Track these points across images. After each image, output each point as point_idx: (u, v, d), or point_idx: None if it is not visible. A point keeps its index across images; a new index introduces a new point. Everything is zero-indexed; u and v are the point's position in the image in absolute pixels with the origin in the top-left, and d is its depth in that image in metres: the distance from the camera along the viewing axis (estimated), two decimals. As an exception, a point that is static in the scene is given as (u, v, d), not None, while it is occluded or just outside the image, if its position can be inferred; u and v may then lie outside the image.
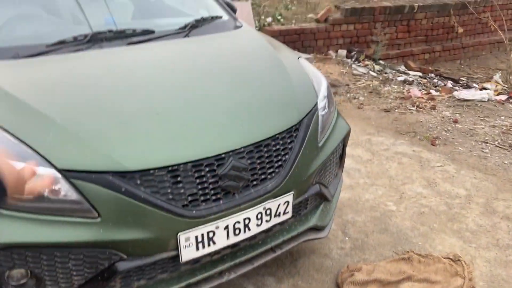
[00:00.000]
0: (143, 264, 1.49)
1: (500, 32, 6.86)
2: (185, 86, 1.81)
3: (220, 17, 2.48)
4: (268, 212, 1.68)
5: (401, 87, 5.29)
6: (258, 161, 1.62)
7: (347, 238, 2.48)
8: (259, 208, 1.64)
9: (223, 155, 1.54)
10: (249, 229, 1.65)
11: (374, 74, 5.74)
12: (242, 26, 2.51)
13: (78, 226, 1.38)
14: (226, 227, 1.57)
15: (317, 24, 6.24)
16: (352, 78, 5.47)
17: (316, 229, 2.02)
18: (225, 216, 1.55)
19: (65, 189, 1.37)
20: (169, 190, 1.45)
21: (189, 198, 1.48)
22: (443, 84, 5.75)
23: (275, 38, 2.93)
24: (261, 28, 6.08)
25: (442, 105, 4.68)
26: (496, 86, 5.56)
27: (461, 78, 6.34)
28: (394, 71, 6.05)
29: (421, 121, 4.22)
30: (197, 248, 1.54)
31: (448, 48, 7.55)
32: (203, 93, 1.78)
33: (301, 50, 5.93)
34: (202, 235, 1.53)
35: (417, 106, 4.58)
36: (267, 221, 1.69)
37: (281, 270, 2.21)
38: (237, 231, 1.61)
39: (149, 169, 1.43)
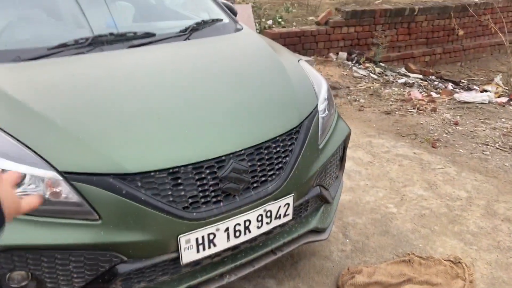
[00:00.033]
0: (143, 266, 1.49)
1: (500, 34, 6.87)
2: (185, 89, 1.82)
3: (221, 20, 2.49)
4: (268, 214, 1.68)
5: (402, 90, 5.29)
6: (259, 163, 1.63)
7: (347, 240, 2.47)
8: (260, 210, 1.64)
9: (223, 157, 1.54)
10: (249, 231, 1.65)
11: (375, 76, 5.75)
12: (242, 28, 2.52)
13: (78, 228, 1.39)
14: (227, 229, 1.58)
15: (318, 26, 6.25)
16: (352, 80, 5.47)
17: (317, 231, 2.02)
18: (226, 218, 1.55)
19: (66, 191, 1.37)
20: (169, 192, 1.45)
21: (190, 200, 1.49)
22: (443, 86, 5.75)
23: (275, 41, 2.93)
24: (262, 31, 6.09)
25: (442, 107, 4.68)
26: (496, 88, 5.56)
27: (462, 80, 6.35)
28: (394, 74, 6.05)
29: (421, 123, 4.22)
30: (198, 250, 1.55)
31: (449, 50, 7.56)
32: (203, 95, 1.79)
33: (301, 53, 5.94)
34: (203, 237, 1.53)
35: (418, 108, 4.58)
36: (267, 223, 1.70)
37: (281, 272, 2.21)
38: (237, 233, 1.61)
39: (149, 171, 1.43)
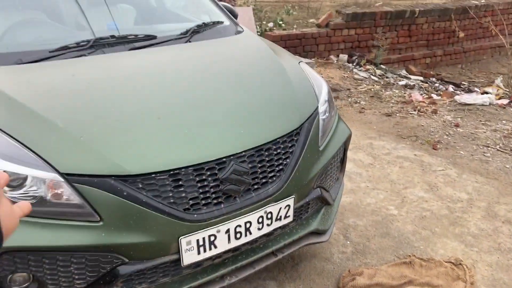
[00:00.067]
0: (144, 268, 1.49)
1: (501, 36, 6.87)
2: (186, 91, 1.82)
3: (222, 22, 2.50)
4: (269, 216, 1.68)
5: (403, 92, 5.30)
6: (259, 165, 1.63)
7: (348, 242, 2.47)
8: (260, 212, 1.64)
9: (224, 159, 1.55)
10: (250, 233, 1.65)
11: (376, 78, 5.76)
12: (243, 31, 2.53)
13: (80, 230, 1.39)
14: (227, 231, 1.58)
15: (318, 29, 6.26)
16: (353, 82, 5.48)
17: (318, 233, 2.02)
18: (226, 220, 1.56)
19: (67, 193, 1.38)
20: (170, 194, 1.46)
21: (191, 202, 1.49)
22: (444, 88, 5.76)
23: (276, 43, 2.94)
24: (262, 33, 6.11)
25: (443, 109, 4.68)
26: (497, 90, 5.56)
27: (463, 82, 6.35)
28: (395, 76, 6.06)
29: (422, 125, 4.22)
30: (199, 252, 1.55)
31: (449, 52, 7.57)
32: (204, 97, 1.79)
33: (302, 55, 5.95)
34: (204, 238, 1.53)
35: (419, 110, 4.59)
36: (268, 225, 1.70)
37: (282, 274, 2.21)
38: (238, 235, 1.62)
39: (150, 173, 1.43)
